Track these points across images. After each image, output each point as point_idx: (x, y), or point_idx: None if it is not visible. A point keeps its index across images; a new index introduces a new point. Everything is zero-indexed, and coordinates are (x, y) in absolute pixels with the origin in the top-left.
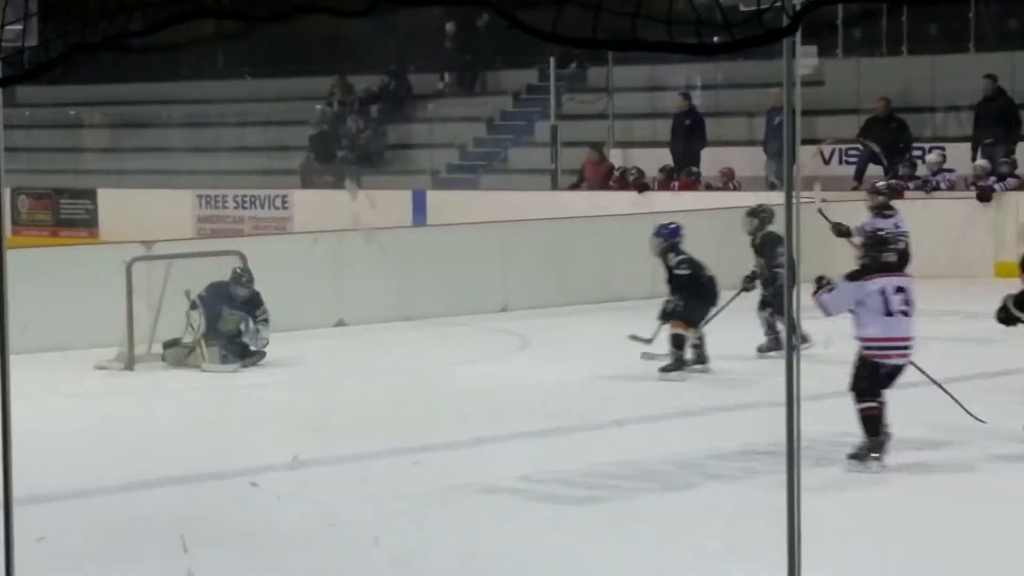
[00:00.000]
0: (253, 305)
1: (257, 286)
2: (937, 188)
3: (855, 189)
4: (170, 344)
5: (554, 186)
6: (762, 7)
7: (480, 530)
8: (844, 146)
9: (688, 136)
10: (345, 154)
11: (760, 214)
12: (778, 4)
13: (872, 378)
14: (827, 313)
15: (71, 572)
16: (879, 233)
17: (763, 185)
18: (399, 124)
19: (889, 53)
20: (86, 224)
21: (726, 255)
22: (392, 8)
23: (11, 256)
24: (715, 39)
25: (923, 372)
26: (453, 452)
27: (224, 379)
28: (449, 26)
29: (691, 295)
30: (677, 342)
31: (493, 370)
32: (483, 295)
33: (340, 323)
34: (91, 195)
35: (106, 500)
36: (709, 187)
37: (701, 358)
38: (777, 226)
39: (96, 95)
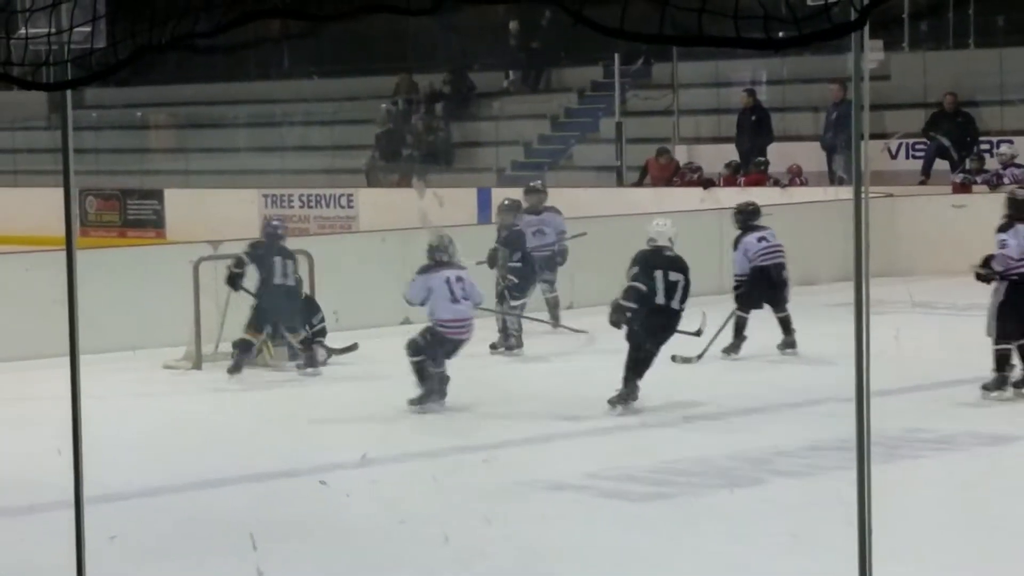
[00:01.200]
0: (309, 312)
1: (323, 285)
2: (1001, 183)
3: (923, 183)
4: (238, 344)
5: (619, 183)
6: (830, 1)
7: (548, 527)
8: (911, 140)
9: (754, 132)
10: (410, 152)
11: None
12: None
13: (433, 345)
14: (409, 303)
15: (142, 570)
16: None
17: (827, 181)
18: (464, 122)
19: (956, 46)
20: (153, 224)
21: (794, 249)
22: (457, 6)
23: (79, 256)
24: (781, 34)
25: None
26: (522, 449)
27: (291, 377)
28: (513, 24)
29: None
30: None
31: (559, 367)
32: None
33: (406, 321)
34: (158, 196)
35: (175, 499)
36: (776, 183)
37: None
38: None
39: (162, 96)
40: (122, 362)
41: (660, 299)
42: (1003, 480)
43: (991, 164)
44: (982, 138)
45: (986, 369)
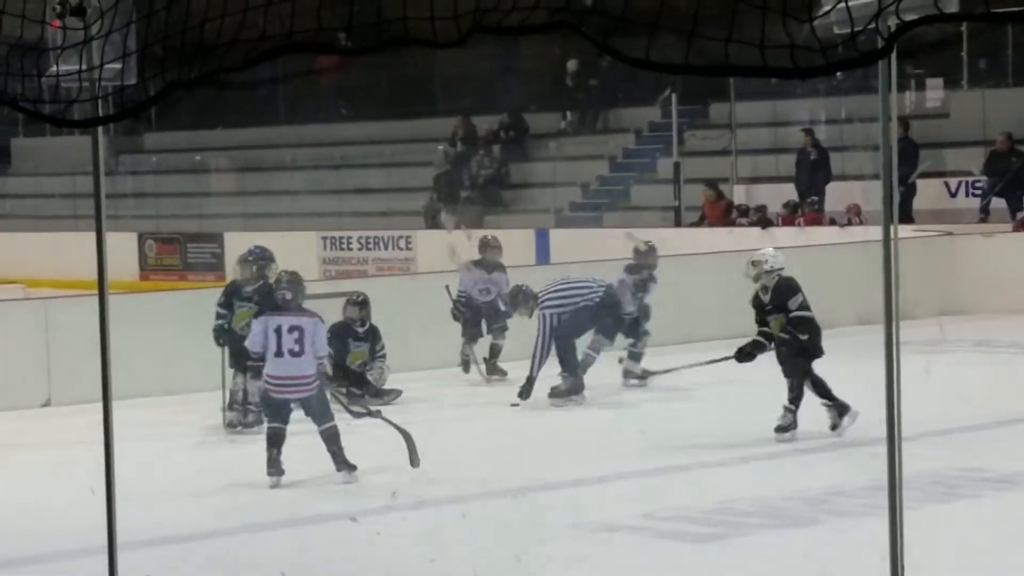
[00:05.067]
0: (374, 339)
1: (382, 327)
2: None
3: (982, 221)
4: None
5: (677, 223)
6: (856, 30)
7: (599, 568)
8: (970, 179)
9: (812, 171)
10: (469, 194)
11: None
12: (872, 27)
13: (263, 403)
14: (250, 353)
15: None
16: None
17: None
18: (521, 163)
19: (1015, 84)
20: (212, 268)
21: (853, 289)
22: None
23: (140, 300)
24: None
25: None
26: (578, 489)
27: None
28: (571, 64)
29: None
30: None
31: (615, 408)
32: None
33: (464, 360)
34: (218, 239)
35: (213, 542)
36: (833, 222)
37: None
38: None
39: (221, 140)
40: (188, 404)
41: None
42: None
43: None
44: None
45: None
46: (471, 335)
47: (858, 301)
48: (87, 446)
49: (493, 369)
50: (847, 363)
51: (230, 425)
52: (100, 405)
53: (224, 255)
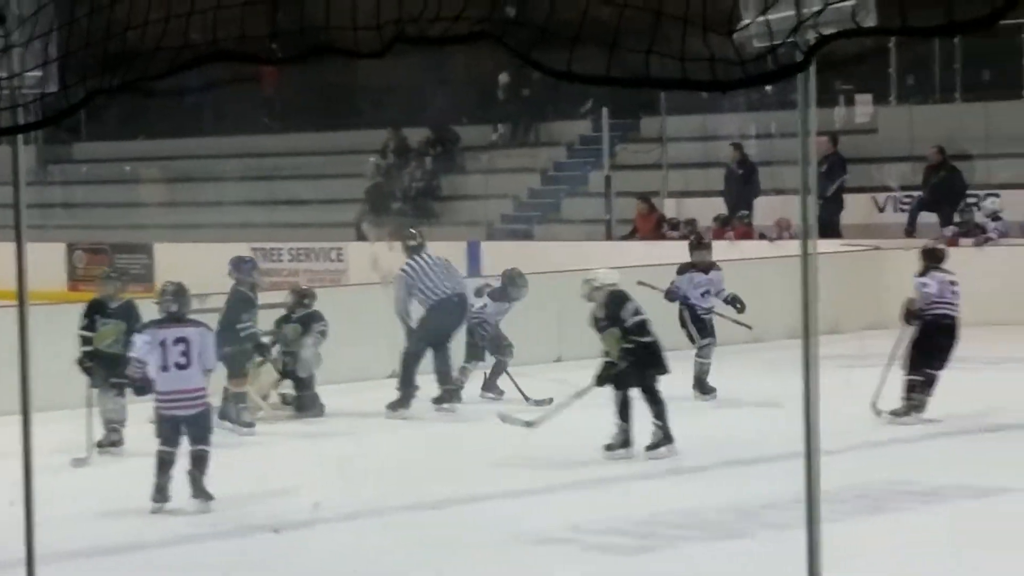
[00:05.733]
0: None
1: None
2: (987, 235)
3: (908, 236)
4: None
5: (608, 236)
6: (775, 43)
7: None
8: (898, 194)
9: (741, 185)
10: (400, 206)
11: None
12: (791, 40)
13: (157, 424)
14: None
15: None
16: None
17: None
18: (453, 175)
19: (942, 100)
20: (142, 279)
21: (783, 303)
22: (406, 51)
23: (68, 310)
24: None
25: None
26: (507, 501)
27: (275, 427)
28: (503, 77)
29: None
30: None
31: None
32: (537, 345)
33: (393, 375)
34: (147, 249)
35: (128, 556)
36: (763, 236)
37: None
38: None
39: (151, 150)
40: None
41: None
42: (990, 532)
43: (978, 218)
44: (969, 192)
45: (980, 418)
46: (476, 355)
47: (787, 315)
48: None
49: (491, 388)
50: (774, 376)
51: (112, 444)
52: (19, 418)
53: (154, 266)
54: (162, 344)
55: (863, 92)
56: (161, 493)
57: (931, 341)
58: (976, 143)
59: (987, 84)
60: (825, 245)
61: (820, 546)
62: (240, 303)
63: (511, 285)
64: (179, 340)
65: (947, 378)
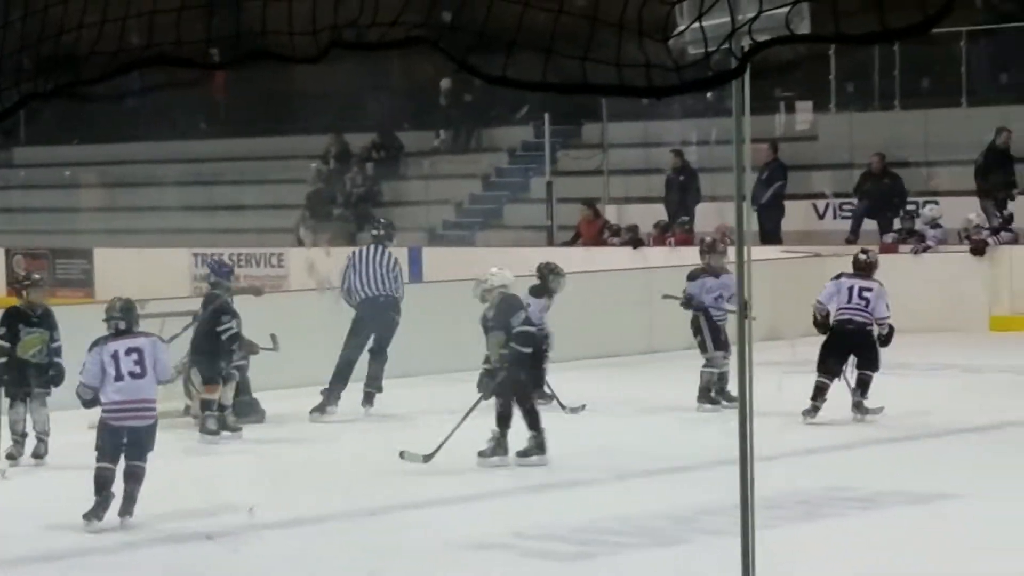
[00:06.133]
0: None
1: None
2: (925, 243)
3: (850, 243)
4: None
5: (550, 242)
6: (709, 50)
7: None
8: (839, 201)
9: (682, 192)
10: (341, 212)
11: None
12: (725, 47)
13: (102, 439)
14: (81, 394)
15: None
16: None
17: (758, 240)
18: (395, 181)
19: (882, 108)
20: (82, 284)
21: None
22: (342, 55)
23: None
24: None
25: None
26: (447, 507)
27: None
28: (444, 83)
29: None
30: None
31: (487, 425)
32: (479, 351)
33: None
34: (87, 255)
35: (65, 563)
36: (703, 242)
37: None
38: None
39: (92, 155)
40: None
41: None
42: (927, 539)
43: (918, 225)
44: (908, 199)
45: (918, 424)
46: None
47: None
48: None
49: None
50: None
51: (10, 457)
52: None
53: (94, 271)
54: (114, 356)
55: (803, 99)
56: (97, 511)
57: (834, 345)
58: (915, 150)
59: (926, 92)
60: (766, 252)
61: (754, 552)
62: (219, 307)
63: (551, 276)
64: (131, 350)
65: (886, 384)
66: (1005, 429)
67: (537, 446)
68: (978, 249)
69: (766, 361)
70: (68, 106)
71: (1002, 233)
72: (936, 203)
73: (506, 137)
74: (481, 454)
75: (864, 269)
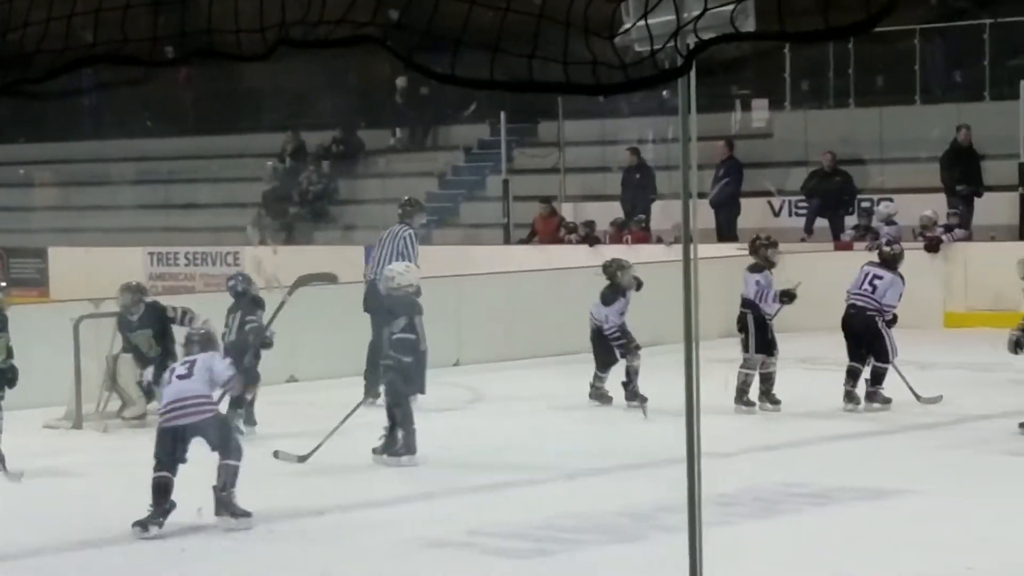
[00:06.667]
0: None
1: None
2: (879, 240)
3: (803, 240)
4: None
5: (506, 240)
6: (655, 48)
7: None
8: (793, 198)
9: (638, 189)
10: (297, 210)
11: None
12: (671, 45)
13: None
14: None
15: None
16: None
17: (714, 237)
18: (351, 179)
19: (836, 105)
20: (36, 283)
21: (678, 306)
22: (290, 54)
23: None
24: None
25: None
26: (403, 506)
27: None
28: (400, 81)
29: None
30: None
31: (445, 424)
32: (435, 349)
33: (292, 379)
34: (42, 254)
35: (44, 560)
36: (659, 240)
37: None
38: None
39: (46, 153)
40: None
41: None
42: (882, 534)
43: (873, 222)
44: (863, 196)
45: (879, 421)
46: (605, 362)
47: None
48: None
49: (634, 395)
50: (669, 380)
51: None
52: None
53: (48, 270)
54: (171, 371)
55: (759, 97)
56: (154, 520)
57: (843, 329)
58: (870, 148)
59: (881, 90)
60: (721, 249)
61: (702, 547)
62: (250, 303)
63: (619, 273)
64: (186, 362)
65: (839, 380)
66: (960, 424)
67: (401, 446)
68: (932, 246)
69: (720, 358)
70: (20, 104)
71: (956, 230)
72: (891, 200)
73: (462, 135)
74: (374, 451)
75: (887, 261)
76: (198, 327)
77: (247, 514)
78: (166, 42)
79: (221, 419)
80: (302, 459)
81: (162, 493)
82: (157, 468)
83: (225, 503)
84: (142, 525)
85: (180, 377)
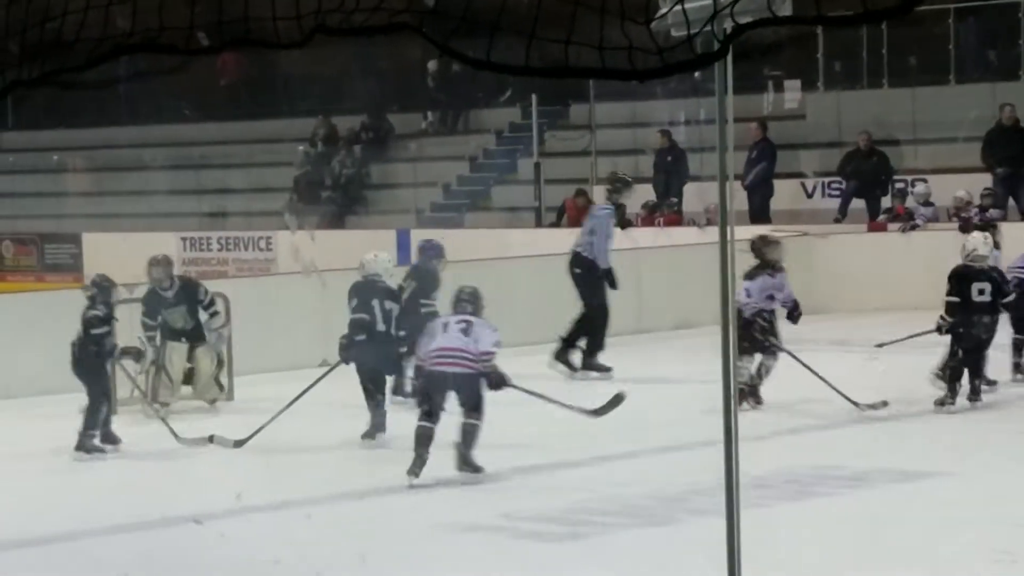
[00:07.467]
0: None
1: (241, 327)
2: (914, 221)
3: (838, 222)
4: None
5: (538, 223)
6: (692, 32)
7: (454, 567)
8: (827, 179)
9: (670, 172)
10: (329, 195)
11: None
12: (708, 29)
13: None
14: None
15: None
16: None
17: (747, 219)
18: (383, 164)
19: (870, 86)
20: (71, 269)
21: (711, 289)
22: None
23: None
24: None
25: None
26: (438, 490)
27: (188, 419)
28: (431, 65)
29: None
30: None
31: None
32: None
33: (324, 363)
34: (76, 239)
35: (52, 547)
36: (692, 223)
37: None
38: None
39: (79, 140)
40: (39, 407)
41: (380, 327)
42: (916, 517)
43: (909, 203)
44: (897, 177)
45: (903, 404)
46: (742, 348)
47: (716, 301)
48: None
49: (754, 393)
50: (702, 363)
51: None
52: None
53: (82, 256)
54: (444, 325)
55: (792, 78)
56: (413, 469)
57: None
58: (903, 129)
59: (914, 70)
60: (754, 231)
61: (740, 531)
62: (429, 280)
63: (766, 249)
64: (464, 320)
65: (876, 364)
66: (995, 406)
67: (378, 426)
68: (966, 227)
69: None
70: (55, 91)
71: (991, 211)
72: (925, 181)
73: (494, 118)
74: (363, 436)
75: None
76: (466, 286)
77: (481, 469)
78: (203, 30)
79: (477, 379)
80: (238, 444)
81: (423, 444)
82: (421, 418)
83: (465, 458)
84: (410, 472)
85: (459, 330)
